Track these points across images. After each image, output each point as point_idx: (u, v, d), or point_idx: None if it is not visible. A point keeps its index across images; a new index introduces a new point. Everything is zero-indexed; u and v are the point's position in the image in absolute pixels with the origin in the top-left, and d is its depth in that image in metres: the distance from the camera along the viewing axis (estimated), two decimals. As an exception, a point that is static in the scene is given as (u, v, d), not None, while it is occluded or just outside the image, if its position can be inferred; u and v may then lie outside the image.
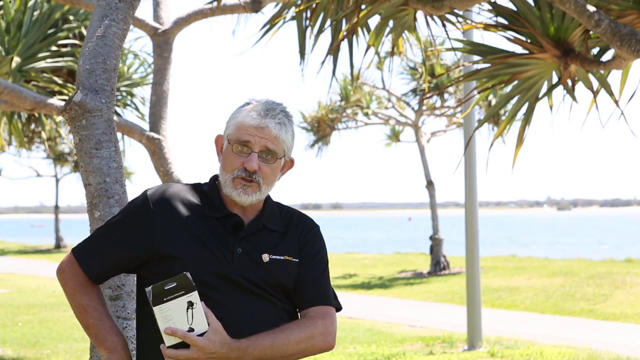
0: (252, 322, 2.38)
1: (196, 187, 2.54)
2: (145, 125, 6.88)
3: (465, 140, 10.36)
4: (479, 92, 4.93)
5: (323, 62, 5.15)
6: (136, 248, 2.43)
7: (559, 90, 4.61)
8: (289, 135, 2.47)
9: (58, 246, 34.65)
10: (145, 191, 2.49)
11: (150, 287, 2.24)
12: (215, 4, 6.73)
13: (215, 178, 2.55)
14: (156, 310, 2.23)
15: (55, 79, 8.02)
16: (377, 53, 5.24)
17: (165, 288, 2.23)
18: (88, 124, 3.19)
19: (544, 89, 4.65)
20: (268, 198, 2.55)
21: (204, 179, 2.61)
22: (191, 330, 2.23)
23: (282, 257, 2.46)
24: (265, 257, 2.44)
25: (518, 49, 4.48)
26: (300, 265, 2.52)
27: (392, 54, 5.31)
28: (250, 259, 2.42)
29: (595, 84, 4.52)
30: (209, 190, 2.51)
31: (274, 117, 2.43)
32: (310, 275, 2.54)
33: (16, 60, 7.58)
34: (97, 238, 2.51)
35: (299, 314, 2.57)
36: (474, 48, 4.80)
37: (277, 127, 2.43)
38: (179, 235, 2.41)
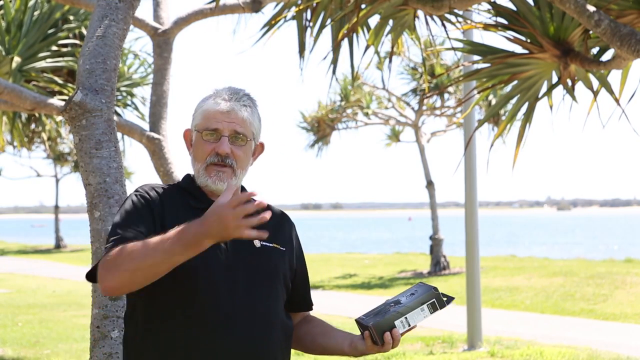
0: (253, 316, 2.34)
1: (173, 186, 2.49)
2: (145, 125, 6.88)
3: (465, 140, 10.36)
4: (479, 92, 4.93)
5: (325, 61, 5.15)
6: (154, 223, 2.33)
7: (559, 90, 4.61)
8: (255, 118, 2.46)
9: (58, 246, 34.69)
10: (137, 189, 2.43)
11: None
12: (214, 4, 6.72)
13: (189, 176, 2.50)
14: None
15: (56, 79, 8.02)
16: (376, 52, 5.23)
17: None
18: (88, 124, 3.19)
19: (544, 88, 4.65)
20: (243, 189, 2.49)
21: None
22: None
23: (271, 245, 2.43)
24: (257, 243, 2.40)
25: (518, 49, 4.48)
26: (297, 266, 2.54)
27: (391, 53, 5.30)
28: (243, 244, 2.36)
29: (595, 83, 4.52)
30: (187, 186, 2.46)
31: (239, 100, 2.43)
32: (306, 278, 2.61)
33: (16, 60, 7.58)
34: (125, 218, 2.33)
35: (295, 314, 2.60)
36: (473, 48, 4.80)
37: (243, 110, 2.42)
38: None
